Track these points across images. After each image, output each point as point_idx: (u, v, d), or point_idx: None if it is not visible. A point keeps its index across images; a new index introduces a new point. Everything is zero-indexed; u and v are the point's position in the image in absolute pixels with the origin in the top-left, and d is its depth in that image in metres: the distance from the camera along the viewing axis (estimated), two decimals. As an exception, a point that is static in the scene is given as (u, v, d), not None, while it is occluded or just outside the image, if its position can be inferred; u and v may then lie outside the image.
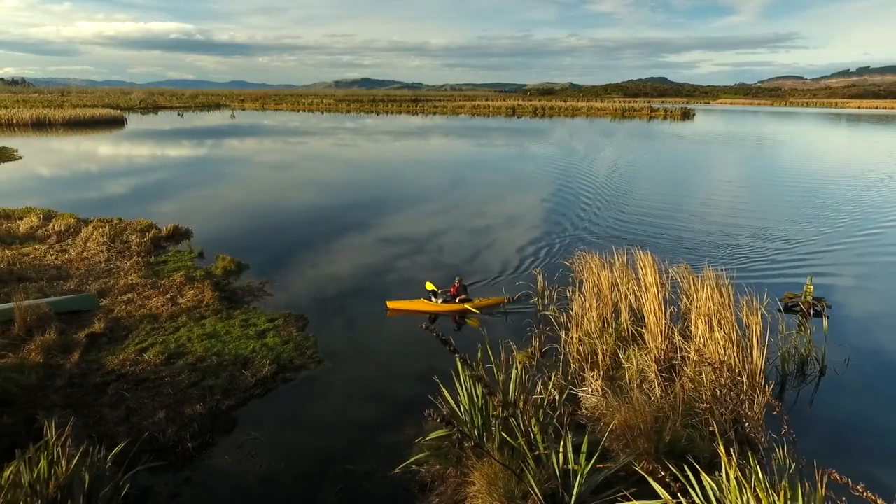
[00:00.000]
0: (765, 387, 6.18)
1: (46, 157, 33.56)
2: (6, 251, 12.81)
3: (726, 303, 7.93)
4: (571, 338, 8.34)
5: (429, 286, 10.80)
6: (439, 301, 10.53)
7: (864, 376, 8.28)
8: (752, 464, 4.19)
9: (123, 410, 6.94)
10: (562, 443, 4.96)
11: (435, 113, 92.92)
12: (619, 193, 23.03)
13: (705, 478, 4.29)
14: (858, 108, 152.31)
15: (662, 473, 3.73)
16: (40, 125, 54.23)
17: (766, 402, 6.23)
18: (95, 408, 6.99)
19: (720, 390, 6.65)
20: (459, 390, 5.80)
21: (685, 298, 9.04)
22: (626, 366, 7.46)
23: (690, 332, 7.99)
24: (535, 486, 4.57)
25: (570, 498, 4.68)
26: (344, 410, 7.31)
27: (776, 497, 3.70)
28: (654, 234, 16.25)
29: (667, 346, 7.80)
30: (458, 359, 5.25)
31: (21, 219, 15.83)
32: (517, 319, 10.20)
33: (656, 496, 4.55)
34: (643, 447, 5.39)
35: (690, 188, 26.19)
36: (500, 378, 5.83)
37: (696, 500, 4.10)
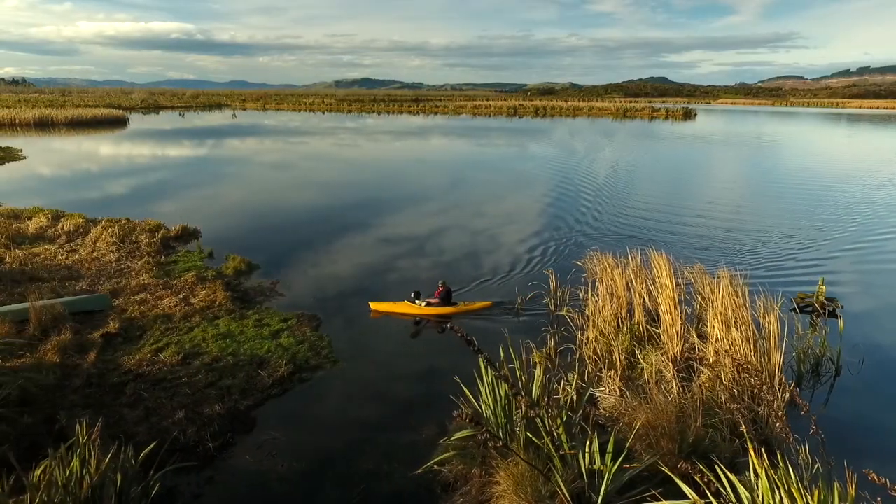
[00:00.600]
0: (791, 386, 6.19)
1: (50, 157, 33.56)
2: (17, 251, 12.82)
3: (742, 303, 7.95)
4: (587, 338, 8.35)
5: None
6: (423, 304, 10.40)
7: (879, 377, 8.29)
8: (780, 463, 4.20)
9: (142, 410, 6.95)
10: (587, 443, 4.98)
11: (436, 113, 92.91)
12: (626, 193, 23.03)
13: (733, 478, 4.30)
14: (860, 108, 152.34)
15: (691, 473, 3.74)
16: (43, 125, 54.22)
17: (785, 401, 6.26)
18: (114, 408, 7.00)
19: (738, 390, 6.68)
20: (482, 390, 5.81)
21: (699, 298, 9.05)
22: (643, 365, 7.47)
23: (706, 331, 8.01)
24: (563, 486, 4.58)
25: (598, 498, 4.69)
26: (361, 411, 7.32)
27: (810, 497, 3.71)
28: (661, 234, 16.27)
29: (683, 346, 7.83)
30: (481, 359, 5.27)
31: (30, 219, 15.84)
32: (529, 320, 10.20)
33: (680, 496, 4.57)
34: (666, 447, 5.41)
35: (696, 188, 26.20)
36: (522, 378, 5.84)
37: (729, 501, 4.11)
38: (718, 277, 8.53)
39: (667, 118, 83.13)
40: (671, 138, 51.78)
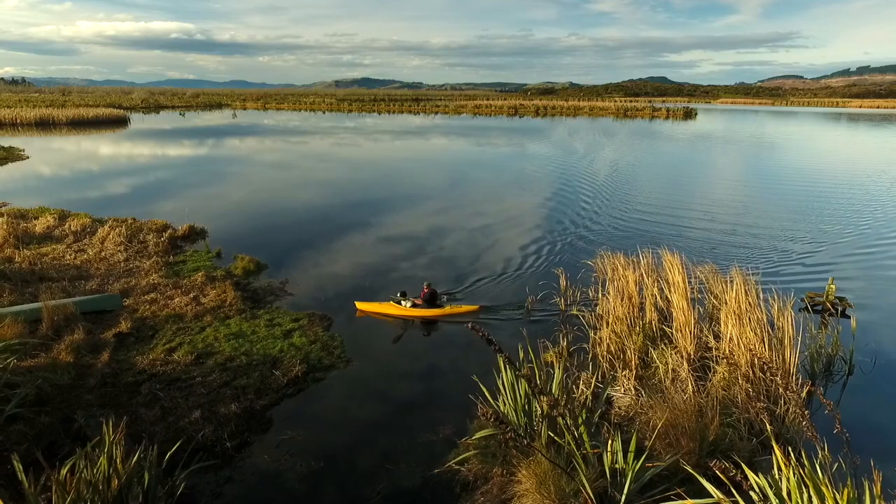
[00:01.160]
0: (814, 384, 6.20)
1: (53, 156, 33.54)
2: (26, 251, 12.81)
3: (755, 302, 7.96)
4: (600, 337, 8.36)
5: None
6: (408, 305, 10.34)
7: (893, 376, 8.30)
8: (805, 462, 4.22)
9: (158, 410, 6.96)
10: (609, 441, 4.99)
11: (436, 112, 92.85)
12: (628, 194, 23.05)
13: (759, 477, 4.31)
14: (860, 107, 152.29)
15: (725, 471, 3.75)
16: (44, 125, 54.19)
17: (802, 400, 6.26)
18: (130, 407, 7.01)
19: (754, 389, 6.69)
20: (501, 390, 5.82)
21: (712, 298, 9.06)
22: (657, 364, 7.48)
23: (719, 330, 8.02)
24: (587, 485, 4.59)
25: (621, 496, 4.71)
26: (377, 410, 7.33)
27: (839, 495, 3.73)
28: (669, 235, 16.29)
29: (696, 345, 7.83)
30: (500, 359, 5.28)
31: (36, 219, 15.83)
32: (539, 319, 10.21)
33: (701, 494, 4.58)
34: (687, 446, 5.42)
35: (702, 188, 26.17)
36: (542, 378, 5.85)
37: (754, 499, 4.13)
38: (731, 277, 8.54)
39: (667, 118, 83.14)
40: (673, 138, 51.79)
